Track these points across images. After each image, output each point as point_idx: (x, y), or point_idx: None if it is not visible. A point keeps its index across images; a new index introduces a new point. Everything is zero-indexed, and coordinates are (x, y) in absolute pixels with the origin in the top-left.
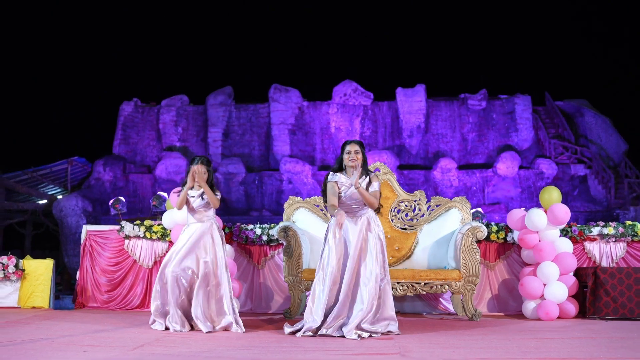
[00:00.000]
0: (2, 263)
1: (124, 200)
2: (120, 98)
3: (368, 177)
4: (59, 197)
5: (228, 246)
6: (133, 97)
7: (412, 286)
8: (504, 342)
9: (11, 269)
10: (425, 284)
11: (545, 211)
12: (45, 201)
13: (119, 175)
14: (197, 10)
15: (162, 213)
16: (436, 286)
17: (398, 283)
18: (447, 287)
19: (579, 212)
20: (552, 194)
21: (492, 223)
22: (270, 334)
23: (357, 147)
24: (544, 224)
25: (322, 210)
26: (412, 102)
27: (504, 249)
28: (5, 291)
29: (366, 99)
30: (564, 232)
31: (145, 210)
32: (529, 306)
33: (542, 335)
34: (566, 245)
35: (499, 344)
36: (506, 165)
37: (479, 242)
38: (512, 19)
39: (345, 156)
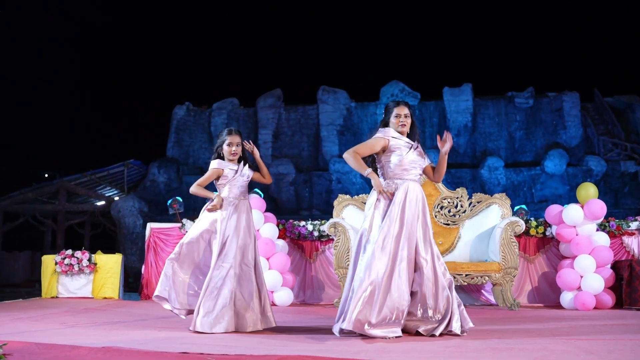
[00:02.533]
0: (76, 257)
1: (181, 200)
2: (173, 102)
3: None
4: (116, 198)
5: (282, 241)
6: (185, 101)
7: (454, 277)
8: (538, 327)
9: (85, 262)
10: (466, 275)
11: (582, 207)
12: (103, 202)
13: (172, 177)
14: (246, 15)
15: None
16: (477, 277)
17: None
18: (487, 278)
19: (629, 209)
20: (588, 190)
21: (532, 218)
22: None
23: (407, 110)
24: (580, 218)
25: None
26: (459, 102)
27: (543, 243)
28: (80, 283)
29: (413, 99)
30: (602, 227)
31: (198, 209)
32: (567, 297)
33: (575, 322)
34: (603, 239)
35: (533, 327)
36: (554, 163)
37: (519, 236)
38: (560, 15)
39: (395, 119)
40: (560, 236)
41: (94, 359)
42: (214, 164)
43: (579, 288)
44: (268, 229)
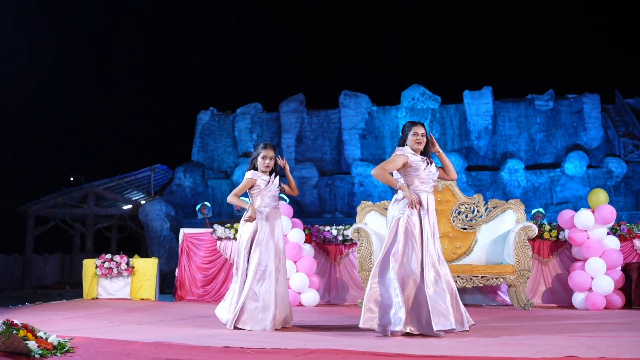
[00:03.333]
0: (115, 261)
1: (209, 205)
2: (198, 108)
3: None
4: (143, 202)
5: (308, 245)
6: (209, 107)
7: (471, 279)
8: (547, 325)
9: (123, 266)
10: (482, 277)
11: (593, 212)
12: (130, 206)
13: (198, 181)
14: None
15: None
16: (492, 279)
17: (458, 276)
18: (501, 279)
19: None
20: (599, 196)
21: (546, 222)
22: None
23: (423, 130)
24: (591, 223)
25: None
26: (479, 105)
27: (556, 246)
28: (119, 285)
29: (434, 102)
30: (614, 231)
31: (224, 213)
32: (578, 297)
33: (584, 321)
34: (613, 242)
35: (542, 325)
36: (574, 165)
37: (533, 240)
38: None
39: (412, 137)
40: (572, 240)
41: (148, 352)
42: (249, 174)
43: (590, 289)
44: (295, 234)
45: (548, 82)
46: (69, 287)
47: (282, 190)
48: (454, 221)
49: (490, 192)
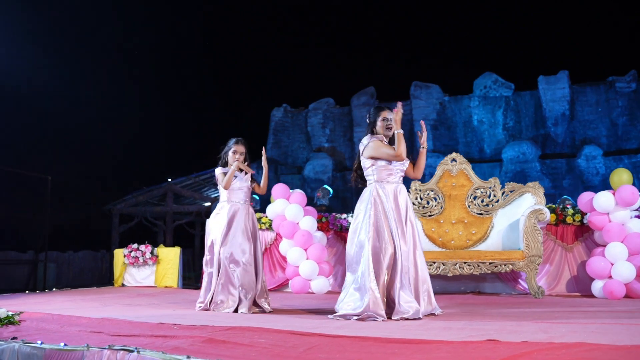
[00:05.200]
0: (141, 250)
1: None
2: (271, 105)
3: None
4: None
5: (320, 233)
6: (282, 103)
7: (478, 266)
8: (538, 311)
9: (148, 255)
10: (490, 263)
11: (614, 193)
12: (208, 203)
13: (271, 177)
14: (337, 16)
15: (326, 205)
16: (500, 265)
17: (465, 263)
18: (510, 266)
19: None
20: (621, 176)
21: (569, 206)
22: None
23: (392, 115)
24: (611, 205)
25: None
26: (555, 90)
27: (581, 231)
28: (145, 273)
29: (507, 90)
30: None
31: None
32: (597, 285)
33: (590, 308)
34: (637, 226)
35: (532, 310)
36: None
37: (556, 224)
38: None
39: (381, 123)
40: (592, 224)
41: (87, 325)
42: (217, 170)
43: (609, 276)
44: (307, 221)
45: (630, 62)
46: None
47: (252, 189)
48: (469, 206)
49: (566, 180)
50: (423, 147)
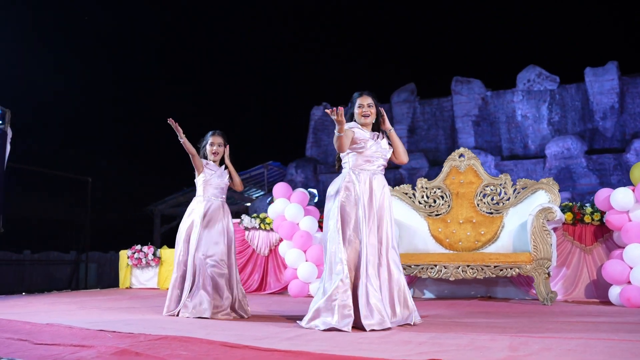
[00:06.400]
0: (144, 252)
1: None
2: (310, 103)
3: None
4: (256, 198)
5: (320, 233)
6: (322, 102)
7: (482, 269)
8: (534, 320)
9: (150, 256)
10: (495, 266)
11: (633, 189)
12: (249, 204)
13: (309, 176)
14: (377, 13)
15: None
16: (506, 269)
17: (468, 266)
18: (517, 270)
19: None
20: None
21: (587, 205)
22: None
23: (370, 100)
24: (631, 203)
25: (410, 197)
26: (602, 82)
27: (601, 231)
28: (148, 275)
29: (552, 83)
30: None
31: None
32: (614, 291)
33: (594, 319)
34: None
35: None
36: None
37: (573, 224)
38: None
39: (357, 110)
40: (610, 223)
41: (29, 330)
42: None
43: (629, 282)
44: (307, 222)
45: None
46: None
47: (230, 185)
48: (478, 205)
49: (614, 177)
50: (390, 130)
